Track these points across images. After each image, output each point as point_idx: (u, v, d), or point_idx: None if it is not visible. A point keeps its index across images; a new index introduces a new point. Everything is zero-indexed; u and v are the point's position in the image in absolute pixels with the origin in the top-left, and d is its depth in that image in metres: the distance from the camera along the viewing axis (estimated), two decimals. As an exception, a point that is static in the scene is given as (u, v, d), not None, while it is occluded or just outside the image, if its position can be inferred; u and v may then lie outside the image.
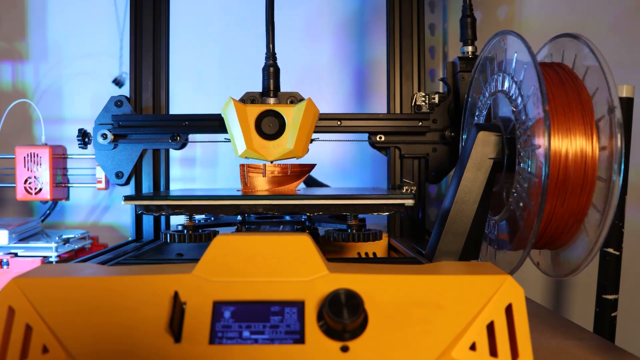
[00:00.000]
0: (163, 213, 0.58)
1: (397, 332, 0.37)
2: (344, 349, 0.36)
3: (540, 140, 0.46)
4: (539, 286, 0.89)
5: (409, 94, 0.79)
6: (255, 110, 0.64)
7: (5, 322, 0.37)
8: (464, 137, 0.71)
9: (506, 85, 0.55)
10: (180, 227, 0.62)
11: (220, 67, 0.97)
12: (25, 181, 0.79)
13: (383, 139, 0.77)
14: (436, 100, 0.77)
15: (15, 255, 0.72)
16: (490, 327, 0.37)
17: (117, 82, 0.93)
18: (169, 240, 0.60)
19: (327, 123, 0.75)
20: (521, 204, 0.50)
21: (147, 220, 0.78)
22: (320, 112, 0.74)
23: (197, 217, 0.78)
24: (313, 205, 0.58)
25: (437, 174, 0.78)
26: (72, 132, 0.85)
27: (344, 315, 0.36)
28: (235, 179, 0.95)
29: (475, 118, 0.65)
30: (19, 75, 0.96)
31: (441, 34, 0.97)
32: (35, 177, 0.79)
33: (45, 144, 0.80)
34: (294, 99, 0.68)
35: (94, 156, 0.78)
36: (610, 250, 0.62)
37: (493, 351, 0.37)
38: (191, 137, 0.78)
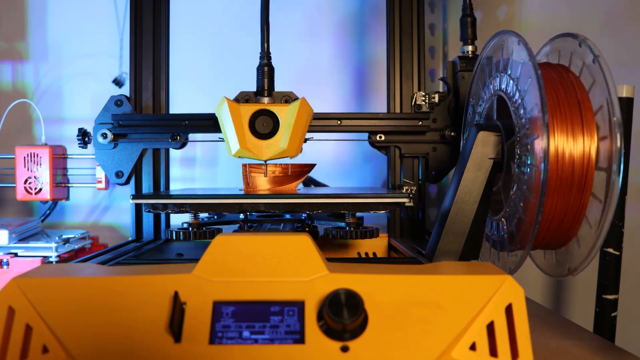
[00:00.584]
0: (169, 211, 0.60)
1: (397, 332, 0.37)
2: (344, 349, 0.36)
3: (540, 141, 0.46)
4: (539, 286, 0.89)
5: (409, 94, 0.79)
6: (248, 109, 0.64)
7: (5, 322, 0.37)
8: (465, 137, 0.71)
9: (506, 85, 0.55)
10: (185, 225, 0.63)
11: (220, 67, 0.97)
12: (25, 181, 0.79)
13: (383, 138, 0.77)
14: (436, 100, 0.77)
15: (15, 255, 0.72)
16: (490, 327, 0.37)
17: (117, 82, 0.93)
18: (174, 237, 0.61)
19: (327, 122, 0.75)
20: (521, 204, 0.50)
21: (147, 220, 0.78)
22: (320, 111, 0.74)
23: (201, 215, 0.79)
24: (312, 204, 0.59)
25: (437, 174, 0.78)
26: (72, 132, 0.85)
27: (344, 315, 0.36)
28: (235, 178, 0.95)
29: (476, 118, 0.65)
30: (19, 75, 0.96)
31: (441, 34, 0.97)
32: (35, 177, 0.79)
33: (45, 144, 0.80)
34: (289, 98, 0.68)
35: (94, 156, 0.78)
36: (610, 250, 0.62)
37: (493, 351, 0.37)
38: (191, 136, 0.78)
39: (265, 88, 0.67)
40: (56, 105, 0.96)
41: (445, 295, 0.38)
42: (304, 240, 0.41)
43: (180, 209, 0.59)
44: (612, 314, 0.63)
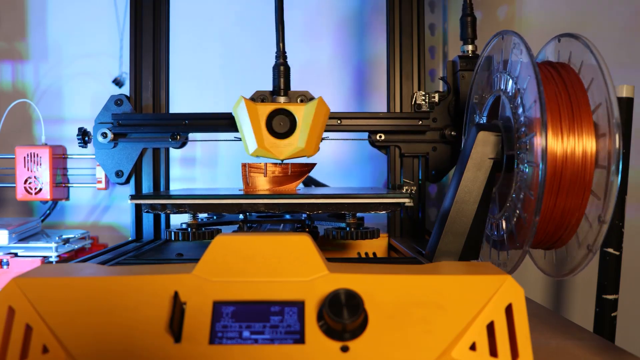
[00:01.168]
0: (168, 211, 0.59)
1: (397, 332, 0.37)
2: (344, 349, 0.36)
3: (539, 140, 0.46)
4: (539, 286, 0.89)
5: (409, 93, 0.79)
6: (266, 108, 0.65)
7: (5, 322, 0.37)
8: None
9: (506, 84, 0.55)
10: (184, 225, 0.63)
11: (220, 66, 0.97)
12: (25, 181, 0.79)
13: (383, 137, 0.77)
14: (436, 99, 0.77)
15: (15, 255, 0.72)
16: (490, 327, 0.37)
17: (117, 82, 0.93)
18: (173, 238, 0.61)
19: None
20: (520, 204, 0.50)
21: (147, 220, 0.78)
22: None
23: (200, 215, 0.79)
24: (313, 204, 0.59)
25: (437, 173, 0.78)
26: (72, 132, 0.85)
27: (344, 315, 0.36)
28: (235, 178, 0.96)
29: (477, 118, 0.65)
30: (19, 75, 0.96)
31: (441, 33, 0.97)
32: (35, 177, 0.79)
33: (45, 144, 0.80)
34: (304, 97, 0.68)
35: (94, 156, 0.78)
36: (610, 250, 0.62)
37: (493, 351, 0.37)
38: (191, 136, 0.78)
39: (282, 87, 0.68)
40: (56, 105, 0.96)
41: (445, 295, 0.38)
42: (304, 240, 0.41)
43: (179, 209, 0.59)
44: (612, 314, 0.63)
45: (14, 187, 0.79)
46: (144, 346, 0.36)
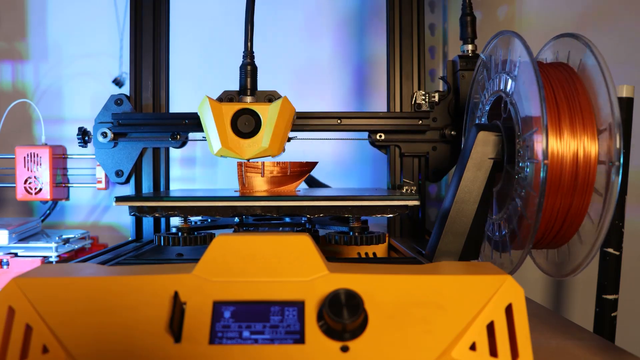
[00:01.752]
0: (157, 215, 0.57)
1: (397, 332, 0.37)
2: (344, 349, 0.36)
3: (540, 140, 0.46)
4: (539, 286, 0.89)
5: (409, 93, 0.80)
6: (230, 108, 0.64)
7: (5, 322, 0.37)
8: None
9: (506, 85, 0.55)
10: (174, 230, 0.61)
11: (220, 66, 0.97)
12: (25, 181, 0.79)
13: (383, 137, 0.77)
14: (436, 99, 0.77)
15: (15, 255, 0.72)
16: (490, 327, 0.37)
17: (117, 82, 0.93)
18: (162, 243, 0.59)
19: (327, 121, 0.75)
20: (521, 204, 0.50)
21: (147, 220, 0.78)
22: (320, 110, 0.74)
23: (194, 218, 0.78)
24: (313, 207, 0.56)
25: (437, 173, 0.78)
26: (72, 132, 0.85)
27: (344, 315, 0.36)
28: (235, 179, 0.95)
29: (477, 118, 0.65)
30: (19, 75, 0.96)
31: (441, 33, 0.97)
32: (35, 177, 0.79)
33: (45, 144, 0.80)
34: (272, 97, 0.68)
35: (94, 156, 0.78)
36: (610, 250, 0.62)
37: (493, 351, 0.37)
38: (191, 135, 0.78)
39: (249, 87, 0.67)
40: (56, 105, 0.96)
41: (445, 295, 0.38)
42: (304, 240, 0.41)
43: (169, 212, 0.57)
44: (612, 314, 0.63)
45: (14, 187, 0.79)
46: (144, 346, 0.36)
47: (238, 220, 0.64)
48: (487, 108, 0.61)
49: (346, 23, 0.98)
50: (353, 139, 0.83)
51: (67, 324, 0.37)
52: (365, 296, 0.37)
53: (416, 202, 0.57)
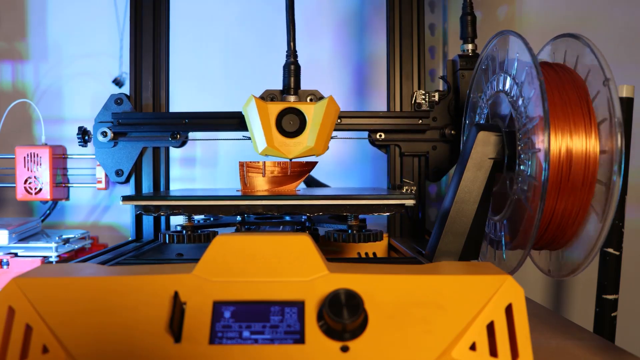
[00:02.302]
0: (162, 213, 0.58)
1: (397, 332, 0.37)
2: (344, 349, 0.36)
3: (540, 140, 0.46)
4: (539, 286, 0.89)
5: (409, 93, 0.79)
6: (276, 107, 0.65)
7: (5, 322, 0.37)
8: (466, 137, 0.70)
9: (507, 85, 0.55)
10: (179, 228, 0.62)
11: (220, 66, 0.97)
12: (25, 181, 0.79)
13: (383, 136, 0.77)
14: (436, 98, 0.77)
15: (15, 255, 0.72)
16: (490, 327, 0.37)
17: (117, 82, 0.93)
18: (167, 241, 0.60)
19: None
20: (521, 204, 0.50)
21: (147, 220, 0.78)
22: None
23: (197, 217, 0.78)
24: (313, 206, 0.58)
25: (437, 172, 0.78)
26: (72, 132, 0.85)
27: (344, 315, 0.36)
28: (235, 179, 0.95)
29: (477, 118, 0.65)
30: (19, 75, 0.96)
31: (441, 33, 0.97)
32: (35, 177, 0.79)
33: (45, 144, 0.80)
34: (314, 96, 0.69)
35: (94, 156, 0.78)
36: (610, 250, 0.62)
37: (493, 351, 0.37)
38: (191, 135, 0.78)
39: (292, 86, 0.68)
40: (56, 105, 0.96)
41: (445, 295, 0.38)
42: (304, 240, 0.41)
43: (174, 211, 0.58)
44: (612, 314, 0.63)
45: (14, 187, 0.79)
46: (144, 346, 0.36)
47: (240, 218, 0.65)
48: (487, 108, 0.61)
49: (346, 23, 0.98)
50: (353, 138, 0.83)
51: (67, 324, 0.37)
52: (365, 296, 0.37)
53: (412, 202, 0.58)
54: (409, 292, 0.38)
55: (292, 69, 0.68)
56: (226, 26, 0.97)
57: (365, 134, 0.78)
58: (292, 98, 0.68)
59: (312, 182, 0.92)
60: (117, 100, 0.77)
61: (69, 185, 0.83)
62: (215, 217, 0.76)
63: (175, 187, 0.94)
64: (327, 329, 0.37)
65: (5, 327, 0.37)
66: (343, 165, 0.98)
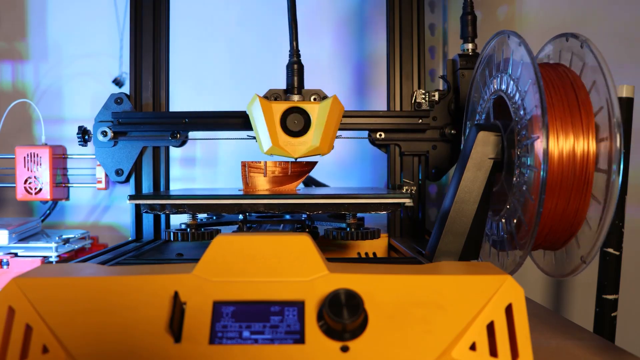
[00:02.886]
0: (167, 212, 0.59)
1: (397, 332, 0.37)
2: (344, 349, 0.36)
3: (540, 141, 0.46)
4: (539, 286, 0.89)
5: (409, 92, 0.79)
6: (280, 107, 0.65)
7: (5, 322, 0.37)
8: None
9: (506, 85, 0.55)
10: (183, 226, 0.63)
11: (220, 66, 0.97)
12: (25, 181, 0.79)
13: (383, 136, 0.77)
14: (436, 98, 0.77)
15: (15, 255, 0.72)
16: (490, 327, 0.37)
17: (117, 82, 0.93)
18: (172, 239, 0.61)
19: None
20: (521, 204, 0.50)
21: (147, 220, 0.78)
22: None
23: (199, 216, 0.79)
24: (312, 204, 0.59)
25: (437, 172, 0.78)
26: (72, 132, 0.85)
27: (344, 315, 0.36)
28: (234, 178, 0.95)
29: (477, 117, 0.65)
30: (19, 75, 0.96)
31: (441, 33, 0.97)
32: (35, 177, 0.79)
33: (45, 144, 0.80)
34: (317, 96, 0.69)
35: (94, 156, 0.78)
36: (610, 250, 0.62)
37: (493, 351, 0.37)
38: (191, 135, 0.78)
39: (295, 86, 0.68)
40: (56, 105, 0.96)
41: (445, 295, 0.38)
42: (304, 240, 0.41)
43: (178, 209, 0.59)
44: (612, 314, 0.63)
45: (14, 187, 0.79)
46: (144, 346, 0.36)
47: (242, 217, 0.65)
48: (487, 108, 0.61)
49: (346, 22, 0.98)
50: (353, 138, 0.83)
51: (67, 324, 0.37)
52: (365, 296, 0.37)
53: (409, 201, 0.59)
54: (409, 292, 0.38)
55: (295, 68, 0.69)
56: (227, 25, 0.97)
57: (365, 133, 0.78)
58: (296, 97, 0.68)
59: (311, 182, 0.92)
60: (117, 99, 0.77)
61: (69, 185, 0.83)
62: (218, 215, 0.76)
63: (175, 187, 0.94)
64: (327, 329, 0.37)
65: (5, 327, 0.37)
66: (343, 165, 0.98)
